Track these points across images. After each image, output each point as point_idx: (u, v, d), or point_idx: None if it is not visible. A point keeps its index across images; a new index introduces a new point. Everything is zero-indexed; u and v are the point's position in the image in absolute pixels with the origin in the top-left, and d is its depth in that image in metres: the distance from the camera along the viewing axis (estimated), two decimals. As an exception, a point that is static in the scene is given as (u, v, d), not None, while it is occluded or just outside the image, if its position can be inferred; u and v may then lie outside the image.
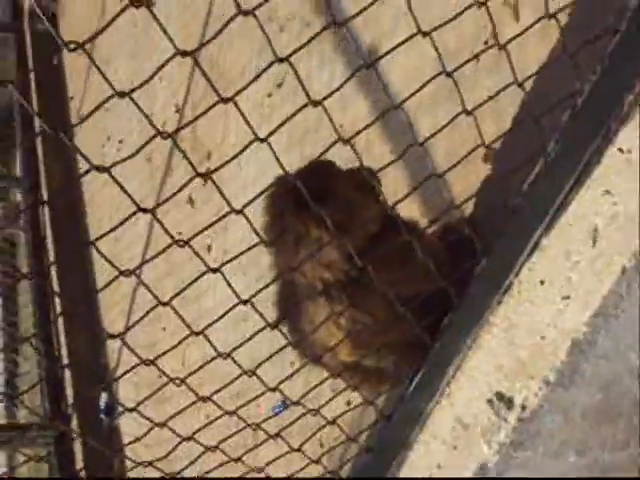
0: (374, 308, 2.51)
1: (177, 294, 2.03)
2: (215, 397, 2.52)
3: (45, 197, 7.30)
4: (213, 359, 2.20)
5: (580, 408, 2.35)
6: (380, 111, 3.64)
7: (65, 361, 6.32)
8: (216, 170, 1.87)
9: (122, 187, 1.77)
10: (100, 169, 1.73)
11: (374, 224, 2.50)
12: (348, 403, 3.25)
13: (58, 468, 5.97)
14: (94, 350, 6.30)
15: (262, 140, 1.84)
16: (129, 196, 1.81)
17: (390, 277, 2.43)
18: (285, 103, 4.23)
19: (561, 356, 2.23)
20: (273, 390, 2.41)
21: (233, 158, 1.90)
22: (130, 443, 2.51)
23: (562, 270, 2.19)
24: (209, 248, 4.78)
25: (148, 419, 2.32)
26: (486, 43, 3.07)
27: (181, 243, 1.84)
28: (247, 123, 1.84)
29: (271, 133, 1.91)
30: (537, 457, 2.42)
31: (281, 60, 1.78)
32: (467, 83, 2.93)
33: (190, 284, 2.05)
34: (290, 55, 1.83)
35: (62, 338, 6.46)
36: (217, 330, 2.83)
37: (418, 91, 2.10)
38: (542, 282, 2.24)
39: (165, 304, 1.96)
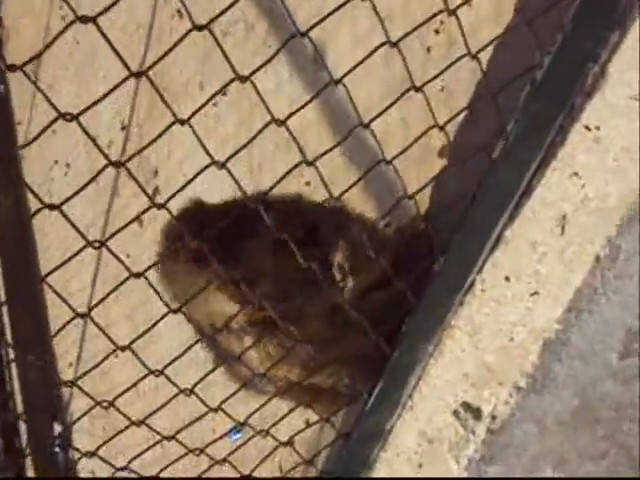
0: (309, 327, 2.31)
1: (99, 302, 1.83)
2: (168, 427, 2.35)
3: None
4: (144, 377, 2.00)
5: (554, 415, 2.17)
6: (331, 113, 3.49)
7: (17, 394, 6.09)
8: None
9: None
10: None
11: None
12: (307, 422, 3.04)
13: (14, 507, 5.74)
14: (46, 384, 6.06)
15: (182, 122, 1.64)
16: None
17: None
18: (231, 111, 4.04)
19: (532, 359, 2.06)
20: (215, 410, 2.20)
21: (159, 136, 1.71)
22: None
23: (529, 263, 2.01)
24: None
25: (78, 450, 2.11)
26: (437, 32, 2.89)
27: (96, 245, 1.65)
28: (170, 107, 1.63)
29: (194, 113, 1.70)
30: (510, 472, 2.23)
31: (200, 29, 1.57)
32: (417, 73, 2.76)
33: (112, 291, 1.85)
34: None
35: (14, 371, 6.24)
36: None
37: (365, 59, 1.90)
38: (507, 278, 2.06)
39: (84, 315, 1.76)
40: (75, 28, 1.59)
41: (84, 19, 1.34)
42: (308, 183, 3.42)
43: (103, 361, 1.95)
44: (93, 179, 1.74)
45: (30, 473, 6.01)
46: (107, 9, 1.45)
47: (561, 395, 2.11)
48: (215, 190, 4.06)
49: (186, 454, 2.34)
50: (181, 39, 1.61)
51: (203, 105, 1.74)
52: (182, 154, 4.65)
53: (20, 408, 6.20)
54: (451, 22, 2.86)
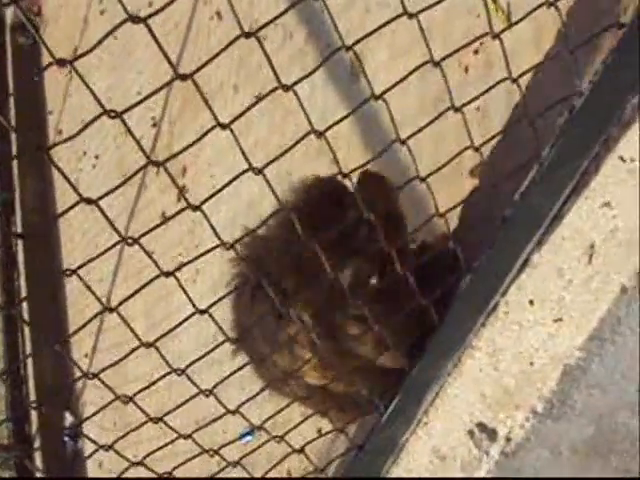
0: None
1: (126, 299, 1.84)
2: (178, 424, 2.34)
3: (19, 213, 7.12)
4: (166, 375, 2.01)
5: (569, 443, 2.16)
6: (363, 124, 3.50)
7: (30, 383, 6.13)
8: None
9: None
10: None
11: None
12: (319, 431, 3.05)
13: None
14: (60, 373, 6.10)
15: (224, 127, 1.65)
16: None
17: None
18: (264, 117, 4.05)
19: (551, 384, 2.05)
20: (232, 413, 2.21)
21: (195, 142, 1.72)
22: None
23: (554, 289, 2.01)
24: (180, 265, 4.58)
25: (94, 442, 2.12)
26: (475, 52, 2.90)
27: (130, 241, 1.66)
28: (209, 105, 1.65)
29: (235, 119, 1.71)
30: (520, 496, 2.22)
31: (247, 36, 1.58)
32: (453, 92, 2.77)
33: (139, 290, 1.86)
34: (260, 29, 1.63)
35: (29, 359, 6.28)
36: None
37: (406, 77, 1.90)
38: (531, 302, 2.05)
39: (112, 309, 1.77)
40: (112, 22, 1.59)
41: (136, 19, 1.36)
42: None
43: (127, 357, 1.96)
44: (130, 177, 1.75)
45: (38, 460, 6.04)
46: (159, 11, 1.47)
47: (577, 423, 2.11)
48: (243, 192, 4.08)
49: (200, 454, 2.34)
50: (227, 46, 1.62)
51: (245, 112, 1.75)
52: (211, 155, 4.65)
53: (32, 397, 6.22)
54: (490, 43, 2.86)
